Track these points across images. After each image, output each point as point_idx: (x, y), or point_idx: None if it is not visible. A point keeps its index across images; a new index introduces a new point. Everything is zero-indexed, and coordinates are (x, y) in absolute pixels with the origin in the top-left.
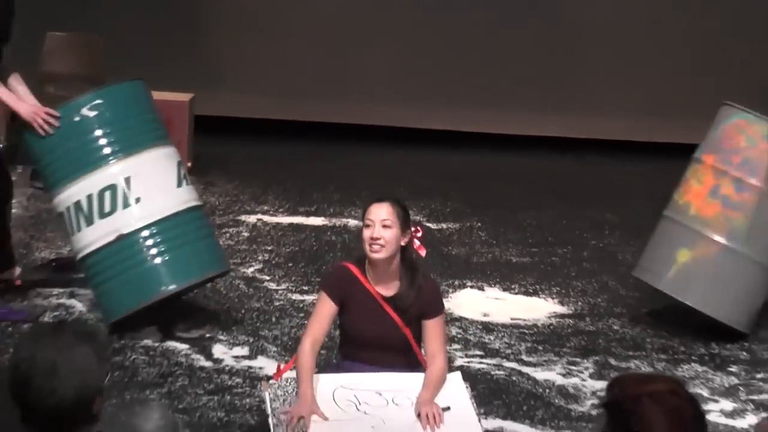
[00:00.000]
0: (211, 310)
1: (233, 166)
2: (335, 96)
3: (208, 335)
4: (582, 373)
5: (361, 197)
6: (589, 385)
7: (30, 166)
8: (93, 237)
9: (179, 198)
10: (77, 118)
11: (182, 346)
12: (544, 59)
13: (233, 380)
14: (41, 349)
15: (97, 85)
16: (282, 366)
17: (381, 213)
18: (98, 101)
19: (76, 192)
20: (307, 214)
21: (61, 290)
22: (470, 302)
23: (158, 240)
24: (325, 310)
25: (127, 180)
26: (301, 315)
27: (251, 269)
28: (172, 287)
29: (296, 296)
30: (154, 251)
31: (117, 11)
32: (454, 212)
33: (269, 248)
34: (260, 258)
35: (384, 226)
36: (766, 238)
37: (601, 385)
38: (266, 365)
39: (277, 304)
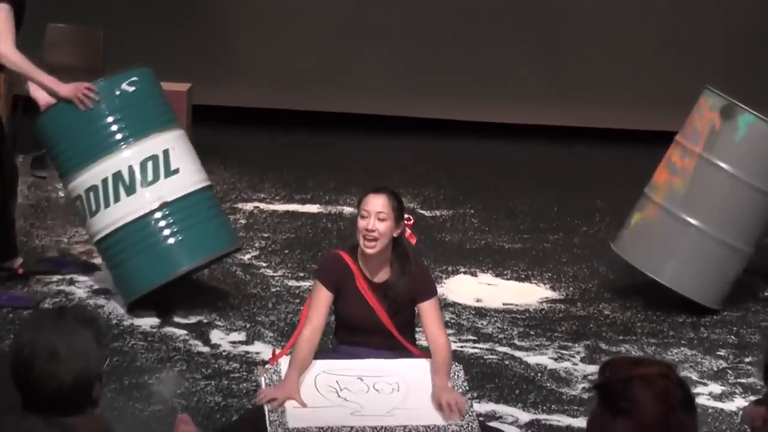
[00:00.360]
0: (208, 296)
1: (230, 154)
2: (331, 85)
3: (205, 321)
4: (573, 357)
5: (356, 185)
6: (580, 368)
7: (30, 154)
8: (112, 218)
9: (192, 178)
10: (96, 104)
11: (180, 332)
12: (536, 50)
13: (230, 365)
14: (42, 333)
15: (97, 76)
16: (278, 351)
17: (377, 204)
18: (117, 86)
19: (94, 175)
20: (303, 201)
21: (61, 277)
22: (463, 288)
23: (175, 219)
24: (321, 298)
25: (145, 162)
26: (297, 301)
27: (248, 256)
28: (190, 264)
29: (292, 282)
30: (171, 230)
31: (115, 2)
32: (447, 199)
33: (266, 235)
34: (257, 245)
35: (379, 219)
36: (703, 202)
37: (592, 369)
38: (263, 350)
39: (274, 290)
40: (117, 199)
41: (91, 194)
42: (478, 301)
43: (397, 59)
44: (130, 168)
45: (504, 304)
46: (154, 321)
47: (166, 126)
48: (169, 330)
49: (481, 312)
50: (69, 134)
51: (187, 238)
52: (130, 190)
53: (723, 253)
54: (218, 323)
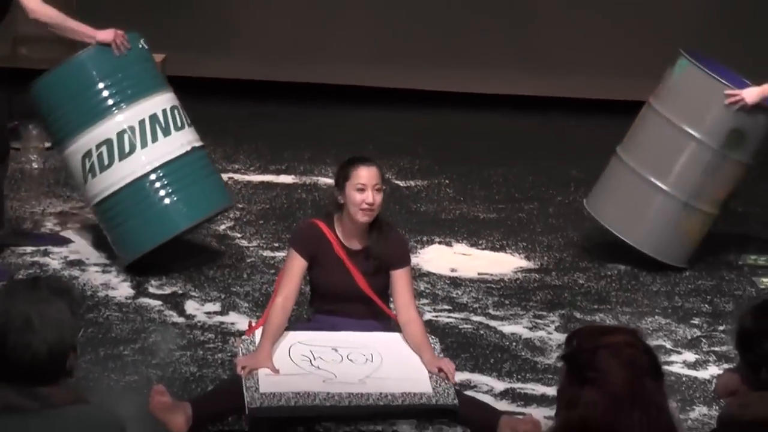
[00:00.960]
0: (183, 267)
1: (204, 125)
2: (305, 56)
3: (180, 292)
4: (548, 326)
5: (331, 156)
6: (555, 338)
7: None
8: (113, 179)
9: (186, 138)
10: (91, 70)
11: (155, 303)
12: (511, 19)
13: (205, 336)
14: (16, 304)
15: (69, 46)
16: (254, 323)
17: (373, 177)
18: (103, 54)
19: (93, 138)
20: (278, 172)
21: (35, 249)
22: (438, 258)
23: (175, 178)
24: (295, 266)
25: (142, 122)
26: (272, 272)
27: (222, 227)
28: (188, 223)
29: (267, 253)
30: (172, 189)
31: None
32: (422, 170)
33: (240, 206)
34: (231, 216)
35: (376, 191)
36: (646, 150)
37: (566, 338)
38: (238, 321)
39: (249, 260)
40: (120, 159)
41: (87, 158)
42: (453, 270)
43: (371, 30)
44: (131, 128)
45: (479, 274)
46: (129, 292)
47: (162, 87)
48: (144, 301)
49: (456, 282)
50: (68, 99)
51: (188, 196)
52: (130, 151)
53: (658, 198)
54: (193, 294)
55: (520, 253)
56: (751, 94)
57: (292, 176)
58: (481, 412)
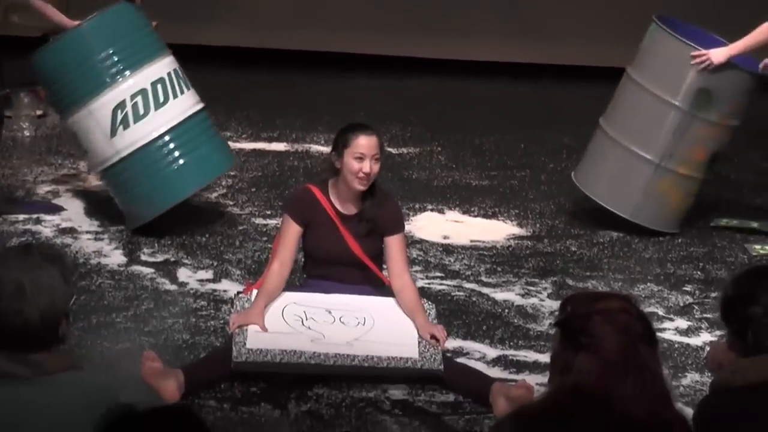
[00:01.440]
0: (175, 234)
1: (197, 93)
2: (297, 24)
3: (173, 259)
4: (540, 293)
5: (324, 123)
6: (547, 305)
7: None
8: (123, 144)
9: (189, 102)
10: (92, 38)
11: (147, 270)
12: None
13: (198, 303)
14: (8, 270)
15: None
16: (252, 282)
17: (372, 147)
18: (104, 21)
19: (103, 104)
20: (270, 139)
21: (27, 217)
22: (430, 225)
23: (185, 140)
24: (290, 232)
25: (152, 86)
26: (264, 239)
27: (215, 194)
28: (198, 185)
29: (259, 220)
30: (181, 151)
31: None
32: (414, 137)
33: (232, 173)
34: (224, 183)
35: (375, 160)
36: (623, 117)
37: (558, 305)
38: (230, 288)
39: (241, 228)
40: (135, 121)
41: (120, 110)
42: (445, 238)
43: None
44: (143, 91)
45: (471, 241)
46: (122, 259)
47: (163, 52)
48: (137, 268)
49: (448, 249)
50: (73, 67)
51: (193, 160)
52: (139, 117)
53: (633, 163)
54: (186, 261)
55: (512, 221)
56: (717, 54)
57: (284, 144)
58: (473, 378)
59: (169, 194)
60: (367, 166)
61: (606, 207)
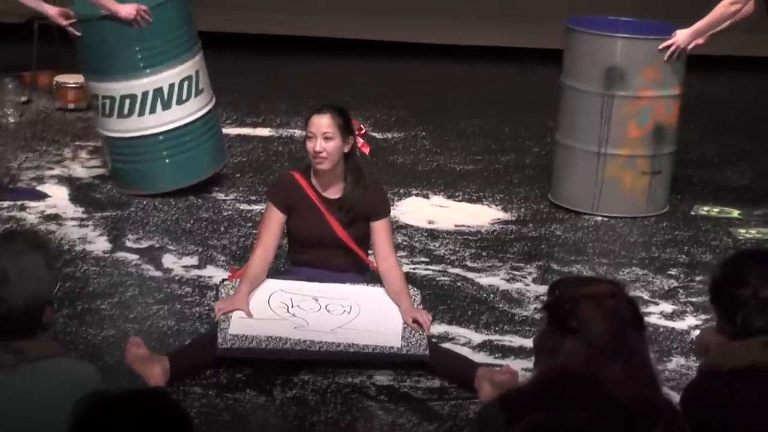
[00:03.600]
0: (160, 220)
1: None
2: (281, 8)
3: (157, 245)
4: (525, 278)
5: (308, 108)
6: (532, 289)
7: None
8: (145, 125)
9: (209, 95)
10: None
11: (132, 257)
12: None
13: (183, 289)
14: None
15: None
16: (238, 268)
17: (322, 125)
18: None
19: (134, 86)
20: (255, 125)
21: (12, 204)
22: (415, 210)
23: (200, 132)
24: (273, 219)
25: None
26: (249, 225)
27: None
28: (213, 170)
29: (244, 206)
30: (198, 141)
31: None
32: (398, 121)
33: None
34: None
35: (326, 138)
36: (562, 120)
37: (544, 289)
38: (215, 275)
39: (226, 214)
40: (153, 110)
41: (127, 100)
42: (430, 222)
43: None
44: (170, 86)
45: (456, 226)
46: (106, 246)
47: (197, 49)
48: (121, 255)
49: (433, 234)
50: (119, 42)
51: (209, 148)
52: (166, 105)
53: (581, 159)
54: (170, 248)
55: (497, 205)
56: (683, 36)
57: (269, 129)
58: (458, 363)
59: (182, 177)
60: (317, 145)
61: (575, 210)
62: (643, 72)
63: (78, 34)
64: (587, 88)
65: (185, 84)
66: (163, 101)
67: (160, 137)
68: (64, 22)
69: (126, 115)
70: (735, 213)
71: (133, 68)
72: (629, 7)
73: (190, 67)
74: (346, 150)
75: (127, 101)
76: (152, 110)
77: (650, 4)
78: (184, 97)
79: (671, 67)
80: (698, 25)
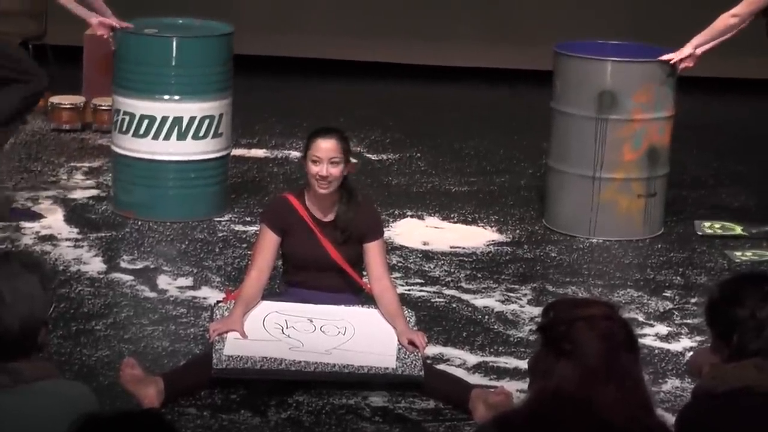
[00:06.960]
0: (155, 241)
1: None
2: (277, 29)
3: (152, 266)
4: (520, 299)
5: (303, 129)
6: (527, 311)
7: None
8: (175, 149)
9: (225, 143)
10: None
11: (127, 278)
12: None
13: (177, 310)
14: None
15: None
16: (233, 290)
17: (330, 150)
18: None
19: (156, 108)
20: (250, 146)
21: (6, 224)
22: (410, 231)
23: (211, 174)
24: (267, 241)
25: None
26: (244, 246)
27: None
28: (211, 215)
29: (239, 227)
30: (206, 181)
31: None
32: (393, 143)
33: None
34: None
35: (332, 163)
36: (555, 146)
37: (539, 311)
38: (210, 296)
39: (221, 235)
40: (168, 137)
41: (146, 120)
42: (425, 244)
43: (342, 3)
44: (191, 119)
45: (451, 247)
46: (101, 267)
47: (228, 93)
48: (116, 276)
49: (428, 255)
50: (158, 63)
51: (212, 193)
52: (182, 136)
53: (575, 184)
54: (165, 268)
55: (492, 226)
56: (685, 47)
57: (264, 150)
58: (452, 384)
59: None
60: (323, 170)
61: (570, 234)
62: (635, 95)
63: (113, 47)
64: (579, 112)
65: (206, 121)
66: (180, 131)
67: (168, 165)
68: (106, 34)
69: (142, 135)
70: (738, 229)
71: (162, 91)
72: (622, 27)
73: (216, 107)
74: (346, 173)
75: (146, 121)
76: (167, 137)
77: (641, 27)
78: (201, 134)
79: (662, 89)
80: (697, 38)
